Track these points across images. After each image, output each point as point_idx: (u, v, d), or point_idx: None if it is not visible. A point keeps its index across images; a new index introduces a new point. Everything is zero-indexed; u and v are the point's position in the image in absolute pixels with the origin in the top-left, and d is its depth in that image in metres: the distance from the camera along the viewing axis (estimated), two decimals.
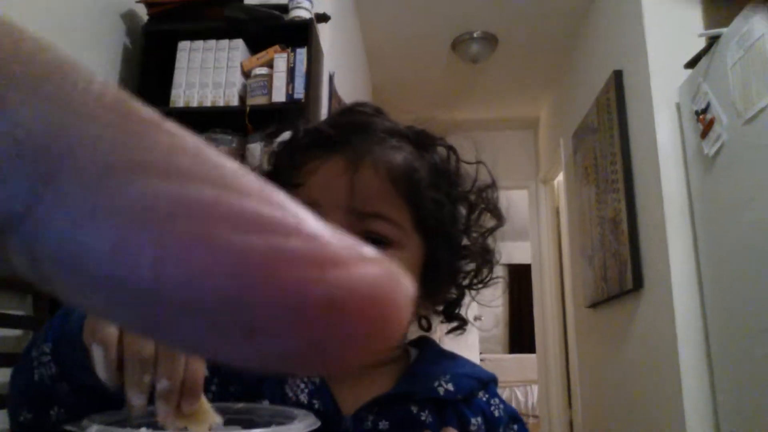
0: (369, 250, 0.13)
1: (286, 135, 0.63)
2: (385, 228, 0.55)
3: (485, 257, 0.62)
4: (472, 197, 0.63)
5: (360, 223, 0.54)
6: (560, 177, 4.06)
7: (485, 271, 0.63)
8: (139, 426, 0.39)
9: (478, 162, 0.64)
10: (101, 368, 0.39)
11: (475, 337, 5.54)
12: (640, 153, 2.50)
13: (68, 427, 0.36)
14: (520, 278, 6.90)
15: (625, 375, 2.69)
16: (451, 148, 0.63)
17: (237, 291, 0.11)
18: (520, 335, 7.36)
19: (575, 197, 3.45)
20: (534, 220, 4.63)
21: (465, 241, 0.62)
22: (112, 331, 0.39)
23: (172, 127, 0.12)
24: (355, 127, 0.58)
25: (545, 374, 4.37)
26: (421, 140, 0.60)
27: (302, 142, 0.60)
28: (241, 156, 2.02)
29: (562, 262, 4.15)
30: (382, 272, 0.12)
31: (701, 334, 2.11)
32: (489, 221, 0.64)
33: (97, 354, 0.39)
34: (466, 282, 0.62)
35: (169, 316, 0.11)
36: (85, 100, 0.12)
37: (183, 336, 0.12)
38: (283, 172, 0.59)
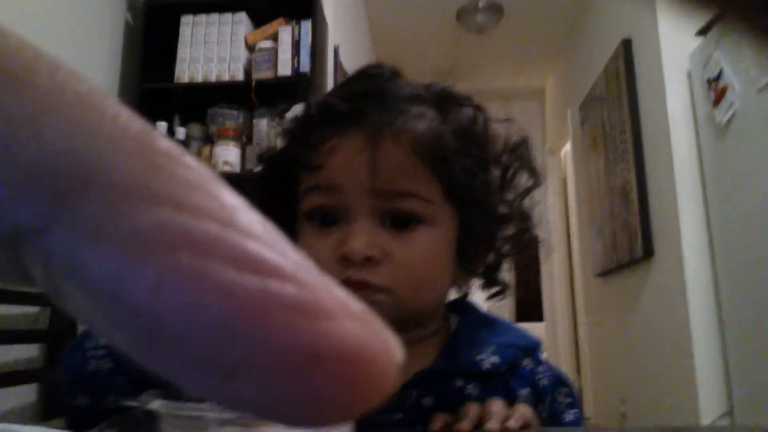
0: (359, 308, 0.13)
1: (297, 109, 0.58)
2: (415, 206, 0.51)
3: (523, 223, 0.58)
4: (505, 158, 0.58)
5: (386, 203, 0.51)
6: (567, 147, 4.03)
7: (525, 237, 0.59)
8: (201, 400, 0.38)
9: (507, 120, 0.59)
10: None
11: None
12: (650, 122, 2.47)
13: (128, 402, 0.36)
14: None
15: (635, 343, 2.71)
16: (478, 108, 0.57)
17: (225, 327, 0.11)
18: (528, 304, 7.40)
19: (583, 167, 3.43)
20: (541, 190, 4.61)
21: (501, 207, 0.57)
22: None
23: (190, 161, 0.13)
24: (370, 97, 0.53)
25: (554, 342, 4.40)
26: (444, 102, 0.56)
27: (316, 118, 0.55)
28: (248, 131, 2.01)
29: (570, 231, 4.15)
30: (369, 332, 0.13)
31: (712, 301, 2.11)
32: (525, 181, 0.59)
33: None
34: (505, 249, 0.58)
35: (161, 344, 0.12)
36: (112, 130, 0.12)
37: (169, 367, 0.12)
38: (300, 154, 0.54)
